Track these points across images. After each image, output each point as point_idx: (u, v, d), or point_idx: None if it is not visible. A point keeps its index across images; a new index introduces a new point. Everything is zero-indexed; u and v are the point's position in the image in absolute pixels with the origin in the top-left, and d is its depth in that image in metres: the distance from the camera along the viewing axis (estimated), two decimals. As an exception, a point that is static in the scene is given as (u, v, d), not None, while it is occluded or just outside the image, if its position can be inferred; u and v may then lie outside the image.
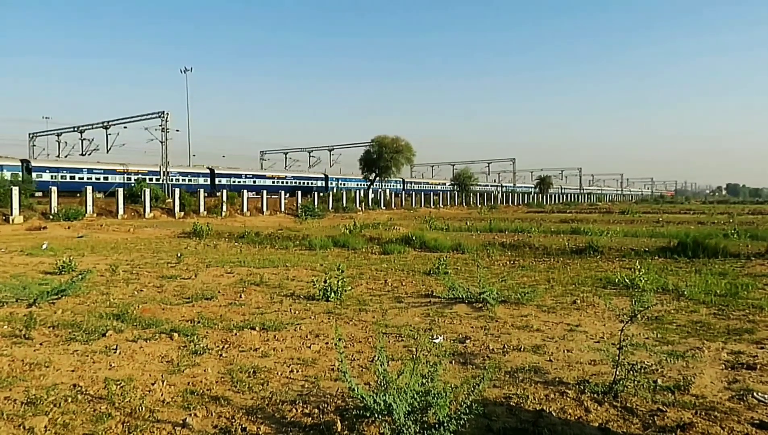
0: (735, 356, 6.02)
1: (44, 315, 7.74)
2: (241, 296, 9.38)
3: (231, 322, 7.48)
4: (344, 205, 52.93)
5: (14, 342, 6.46)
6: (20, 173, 45.25)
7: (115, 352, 6.06)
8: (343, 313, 8.20)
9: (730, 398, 4.85)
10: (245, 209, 44.08)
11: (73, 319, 7.58)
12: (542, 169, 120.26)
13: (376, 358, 4.55)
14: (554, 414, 4.49)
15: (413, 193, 74.26)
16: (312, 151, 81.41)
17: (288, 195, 51.97)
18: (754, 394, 4.89)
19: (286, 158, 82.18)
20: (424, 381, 4.20)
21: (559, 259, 14.67)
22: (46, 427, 4.18)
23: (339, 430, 4.13)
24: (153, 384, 5.11)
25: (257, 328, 7.16)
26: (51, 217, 31.76)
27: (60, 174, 50.35)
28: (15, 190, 30.51)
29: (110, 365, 5.66)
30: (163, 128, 48.81)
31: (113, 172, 53.66)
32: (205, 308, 8.43)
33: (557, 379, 5.34)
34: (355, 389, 4.03)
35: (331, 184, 76.40)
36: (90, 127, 54.59)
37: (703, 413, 4.52)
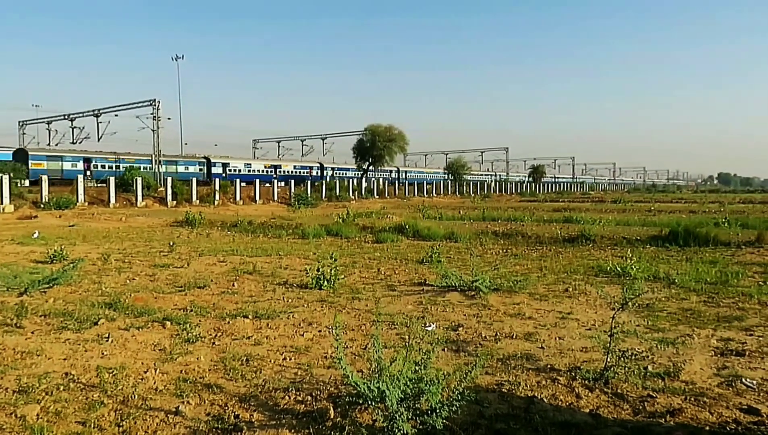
0: (724, 343, 6.08)
1: (35, 304, 7.69)
2: (233, 285, 9.36)
3: (224, 311, 7.47)
4: (337, 193, 52.83)
5: (5, 331, 6.42)
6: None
7: (107, 341, 6.04)
8: (336, 301, 8.20)
9: (720, 384, 4.90)
10: (238, 198, 43.90)
11: (65, 307, 7.54)
12: (535, 159, 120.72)
13: (371, 345, 4.56)
14: (546, 400, 4.53)
15: (406, 182, 74.29)
16: (305, 139, 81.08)
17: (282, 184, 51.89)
18: (743, 380, 4.95)
19: (279, 147, 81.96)
20: (416, 368, 4.21)
21: (552, 248, 14.73)
22: (38, 415, 4.17)
23: (332, 417, 4.15)
24: (145, 372, 5.10)
25: (250, 317, 7.15)
26: (42, 205, 31.49)
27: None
28: (5, 179, 30.23)
29: (102, 353, 5.64)
30: (154, 116, 48.43)
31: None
32: (198, 297, 8.41)
33: (549, 366, 5.37)
34: (349, 376, 4.04)
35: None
36: (80, 115, 54.05)
37: (693, 399, 4.57)
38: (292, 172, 70.47)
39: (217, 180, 44.36)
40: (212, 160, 62.36)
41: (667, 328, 6.71)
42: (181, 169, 56.94)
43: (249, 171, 63.91)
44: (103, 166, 49.56)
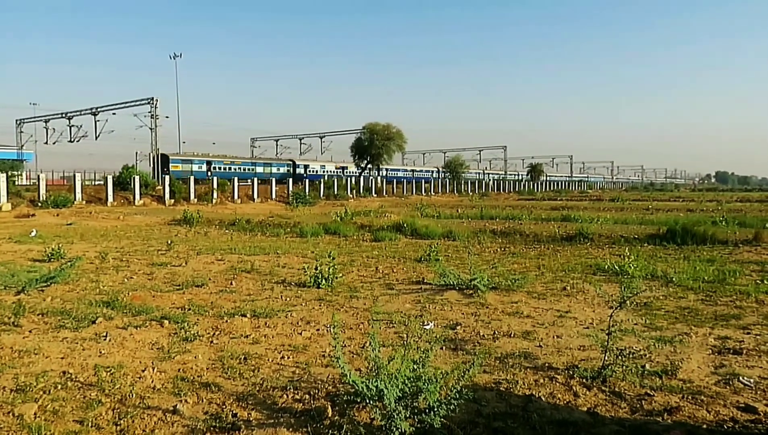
0: (722, 341, 6.10)
1: (33, 302, 7.68)
2: (231, 283, 9.36)
3: (222, 309, 7.46)
4: (335, 192, 52.85)
5: (3, 329, 6.41)
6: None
7: (105, 339, 6.04)
8: (334, 300, 8.20)
9: (717, 382, 4.91)
10: (236, 196, 43.89)
11: (63, 306, 7.53)
12: (533, 157, 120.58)
13: (368, 344, 4.56)
14: (543, 399, 4.54)
15: (404, 180, 74.54)
16: (303, 138, 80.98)
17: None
18: (740, 378, 4.96)
19: (277, 145, 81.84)
20: (414, 367, 4.21)
21: (550, 246, 14.74)
22: (35, 413, 4.16)
23: (330, 415, 4.15)
24: (143, 371, 5.09)
25: (248, 315, 7.15)
26: (39, 204, 31.44)
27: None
28: (2, 178, 30.15)
29: (100, 352, 5.63)
30: (152, 115, 48.33)
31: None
32: (196, 295, 8.41)
33: (547, 364, 5.38)
34: (347, 375, 4.04)
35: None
36: (78, 113, 53.97)
37: (690, 397, 4.58)
38: (355, 172, 74.82)
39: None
40: (296, 163, 71.70)
41: (665, 326, 6.73)
42: (274, 169, 65.75)
43: (324, 172, 71.02)
44: (220, 168, 58.69)
